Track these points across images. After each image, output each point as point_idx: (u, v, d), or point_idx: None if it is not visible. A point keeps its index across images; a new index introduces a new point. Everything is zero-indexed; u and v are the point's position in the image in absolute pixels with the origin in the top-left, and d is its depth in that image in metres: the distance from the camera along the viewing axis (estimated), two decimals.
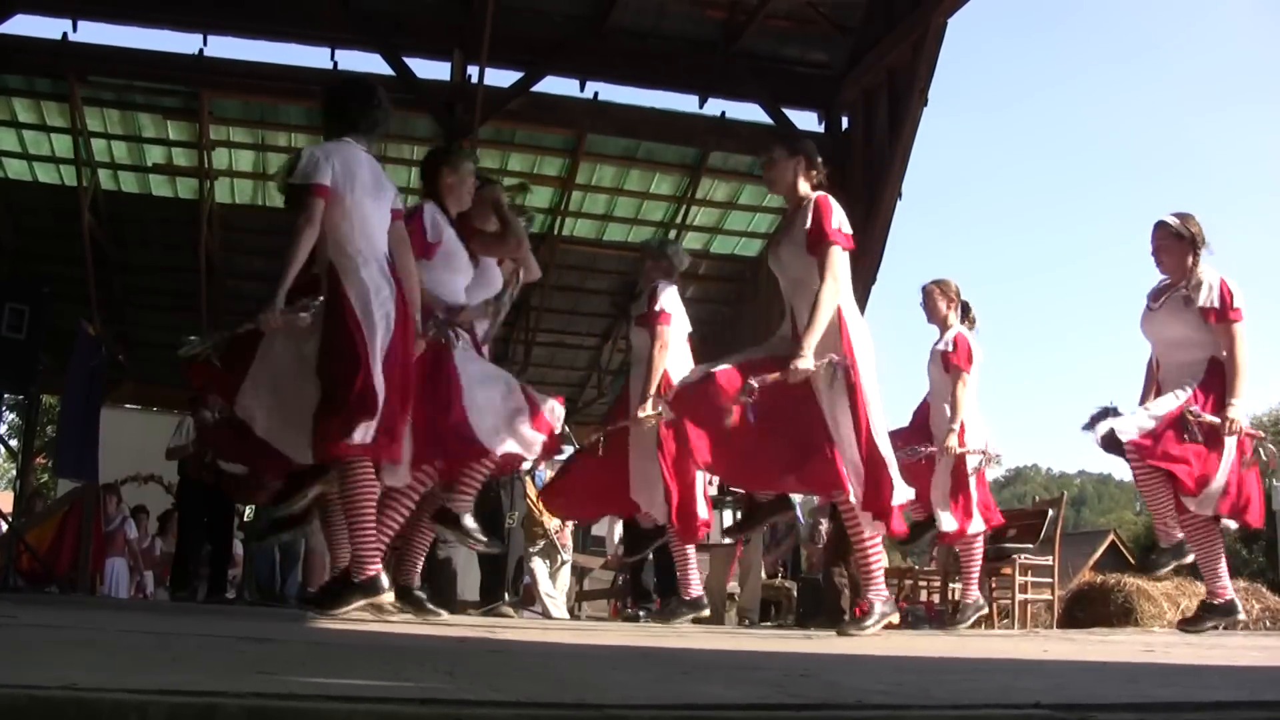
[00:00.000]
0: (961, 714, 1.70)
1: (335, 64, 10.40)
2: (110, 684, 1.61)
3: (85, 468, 8.59)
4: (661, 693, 1.97)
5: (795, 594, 9.40)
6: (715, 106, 11.12)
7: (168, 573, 10.43)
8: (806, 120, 10.87)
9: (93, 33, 10.15)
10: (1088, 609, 9.27)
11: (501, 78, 10.03)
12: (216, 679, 1.86)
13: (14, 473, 20.40)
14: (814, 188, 5.04)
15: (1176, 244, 5.46)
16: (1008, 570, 8.19)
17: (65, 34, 9.99)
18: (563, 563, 9.79)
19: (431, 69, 10.19)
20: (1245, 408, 5.22)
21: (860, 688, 2.10)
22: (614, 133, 11.76)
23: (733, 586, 8.96)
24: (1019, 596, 8.19)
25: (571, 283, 14.04)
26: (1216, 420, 5.15)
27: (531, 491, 8.33)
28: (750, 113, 11.14)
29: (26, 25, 10.54)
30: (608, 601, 10.69)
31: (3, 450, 19.94)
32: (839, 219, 4.88)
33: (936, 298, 6.64)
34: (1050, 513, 8.49)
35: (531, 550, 8.96)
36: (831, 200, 4.94)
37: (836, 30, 10.48)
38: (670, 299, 6.13)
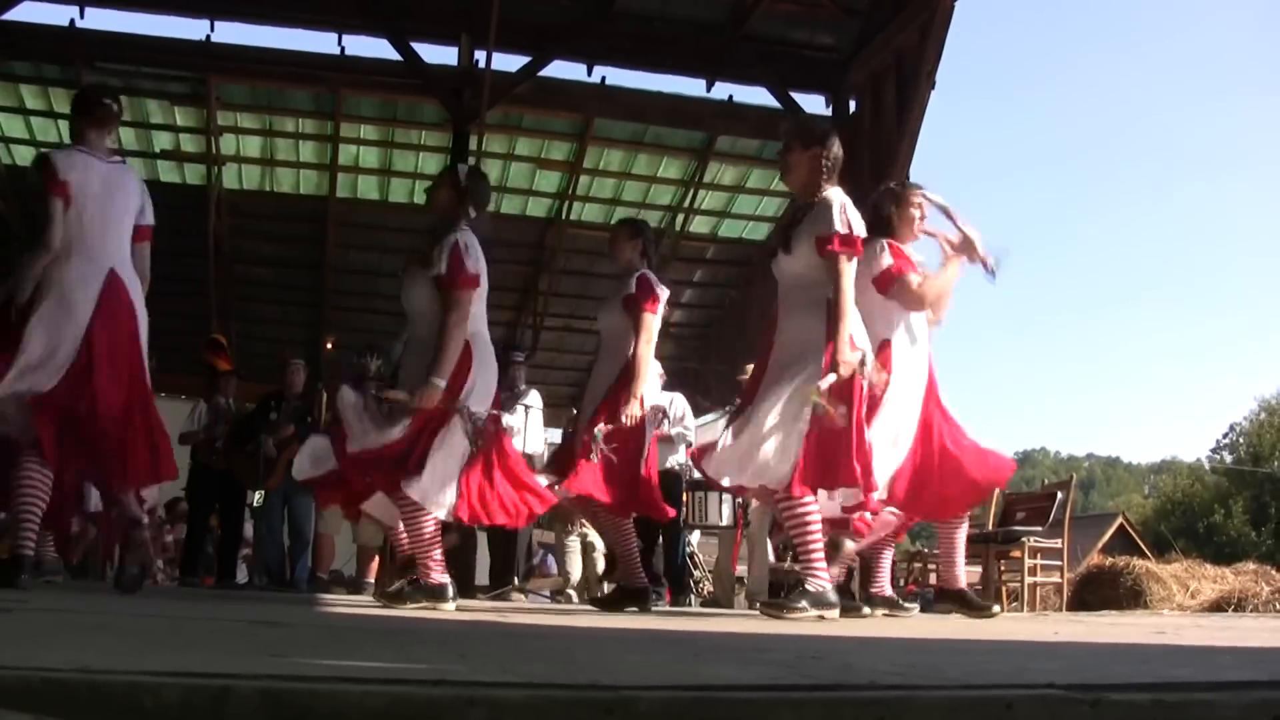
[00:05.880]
0: (975, 694, 1.69)
1: (343, 49, 10.37)
2: (123, 666, 1.61)
3: None
4: (674, 674, 1.97)
5: None
6: (722, 90, 11.09)
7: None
8: (814, 104, 10.83)
9: (100, 19, 10.16)
10: (1097, 591, 9.28)
11: (509, 62, 10.00)
12: (229, 661, 1.86)
13: None
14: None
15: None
16: (1017, 553, 8.19)
17: (72, 20, 9.98)
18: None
19: (438, 54, 10.17)
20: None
21: (873, 668, 2.09)
22: (621, 117, 11.75)
23: (741, 570, 8.95)
24: (1028, 579, 8.20)
25: (579, 267, 14.05)
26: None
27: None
28: (758, 96, 11.12)
29: (34, 11, 10.49)
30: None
31: None
32: None
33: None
34: (1059, 496, 8.49)
35: (565, 538, 8.91)
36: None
37: (844, 13, 10.42)
38: None
